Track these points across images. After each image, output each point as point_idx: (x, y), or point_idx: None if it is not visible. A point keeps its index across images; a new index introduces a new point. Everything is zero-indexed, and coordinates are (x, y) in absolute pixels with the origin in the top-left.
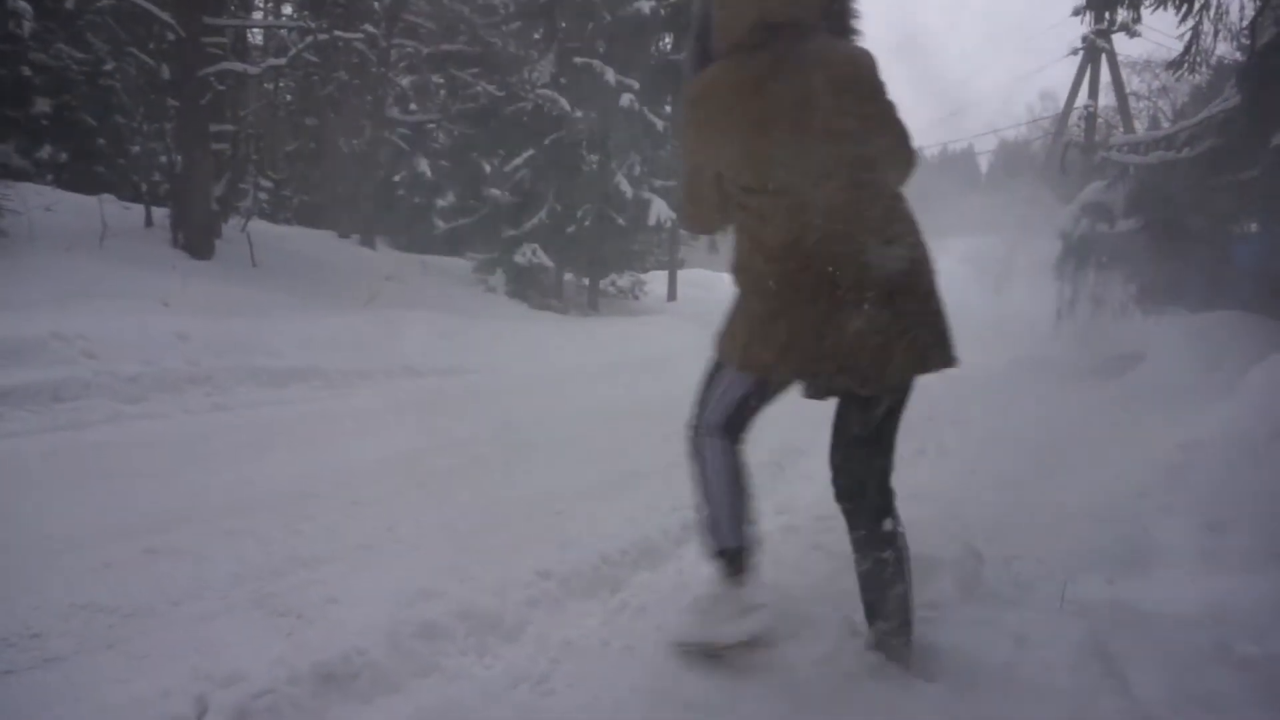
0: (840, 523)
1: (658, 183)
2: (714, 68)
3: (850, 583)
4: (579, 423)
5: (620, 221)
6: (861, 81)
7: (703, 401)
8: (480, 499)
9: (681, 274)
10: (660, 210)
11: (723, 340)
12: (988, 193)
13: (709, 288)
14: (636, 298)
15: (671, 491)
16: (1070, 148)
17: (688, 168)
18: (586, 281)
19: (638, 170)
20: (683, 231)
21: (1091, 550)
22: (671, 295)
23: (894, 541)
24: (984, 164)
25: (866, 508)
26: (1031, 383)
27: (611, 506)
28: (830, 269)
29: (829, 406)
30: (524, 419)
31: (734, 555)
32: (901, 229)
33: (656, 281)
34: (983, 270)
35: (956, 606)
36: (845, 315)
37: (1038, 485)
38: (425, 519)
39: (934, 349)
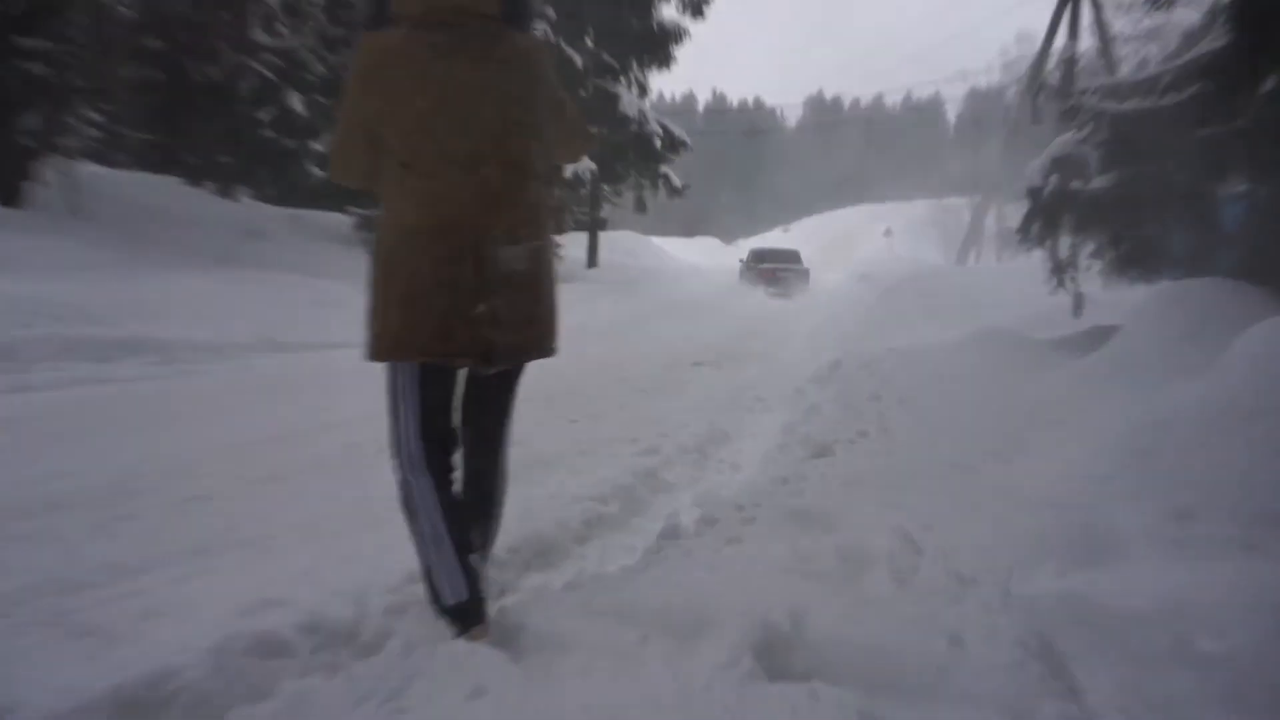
0: (761, 513)
1: None
2: (395, 35)
3: (765, 580)
4: None
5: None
6: (536, 72)
7: (394, 430)
8: (349, 493)
9: (605, 237)
10: (580, 163)
11: (372, 338)
12: (956, 147)
13: (636, 253)
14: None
15: (577, 480)
16: (1043, 94)
17: (347, 122)
18: None
19: None
20: (605, 187)
21: (1043, 540)
22: (592, 261)
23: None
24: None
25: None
26: (993, 358)
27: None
28: (471, 255)
29: (761, 391)
30: None
31: (465, 609)
32: (535, 229)
33: (575, 245)
34: (947, 235)
35: (888, 602)
36: (477, 299)
37: (989, 470)
38: (278, 517)
39: (540, 339)
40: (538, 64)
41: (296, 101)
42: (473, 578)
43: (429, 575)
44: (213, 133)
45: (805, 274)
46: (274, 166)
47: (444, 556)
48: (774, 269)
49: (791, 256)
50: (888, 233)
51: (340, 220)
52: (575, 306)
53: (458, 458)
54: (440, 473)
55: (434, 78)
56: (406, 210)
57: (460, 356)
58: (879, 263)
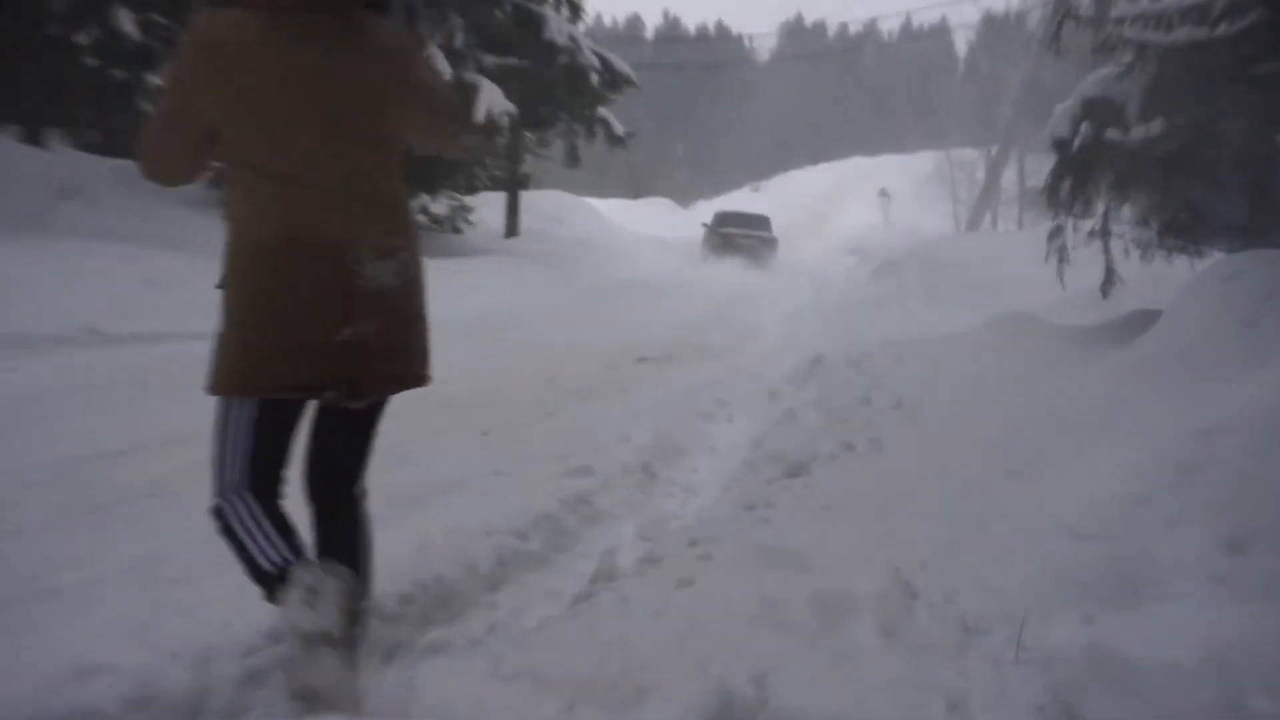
0: (720, 548)
1: (490, 60)
2: (242, 14)
3: (723, 633)
4: None
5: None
6: (404, 57)
7: (216, 462)
8: (195, 526)
9: (528, 197)
10: (494, 101)
11: (213, 370)
12: (966, 85)
13: (567, 218)
14: (459, 230)
15: (488, 508)
16: (1069, 21)
17: (172, 110)
18: None
19: (459, 42)
20: (528, 135)
21: (1065, 578)
22: (512, 229)
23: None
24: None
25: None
26: (1011, 351)
27: (396, 532)
28: (334, 271)
29: (724, 394)
30: None
31: (289, 574)
32: (402, 241)
33: (490, 207)
34: (957, 196)
35: (875, 659)
36: (343, 322)
37: (1002, 490)
38: (104, 558)
39: (410, 370)
40: (405, 49)
41: (127, 21)
42: (298, 549)
43: (249, 563)
44: (13, 61)
45: (773, 243)
46: (97, 105)
47: (262, 531)
48: (735, 234)
49: (759, 222)
50: (883, 194)
51: None
52: (488, 286)
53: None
54: (266, 496)
55: (289, 65)
56: (255, 220)
57: (322, 390)
58: (872, 231)
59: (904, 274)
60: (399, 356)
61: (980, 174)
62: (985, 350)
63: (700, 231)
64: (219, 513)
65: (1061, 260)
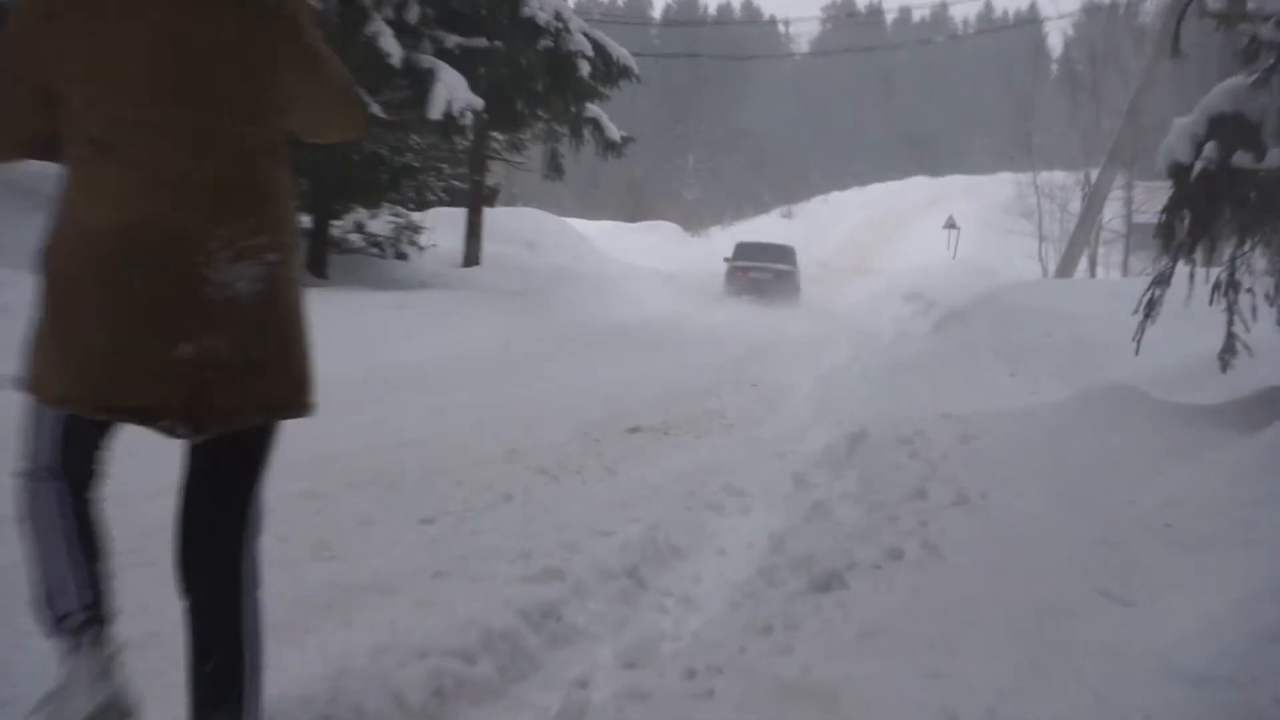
0: (725, 682)
1: (453, 40)
2: None
3: None
4: None
5: (373, 109)
6: (284, 19)
7: (26, 440)
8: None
9: (495, 216)
10: (455, 93)
11: (27, 357)
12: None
13: (540, 244)
14: (404, 255)
15: (427, 620)
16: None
17: (2, 73)
18: (308, 223)
19: (414, 15)
20: (497, 138)
21: None
22: (472, 255)
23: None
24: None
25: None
26: (1108, 433)
27: (306, 647)
28: (179, 270)
29: (737, 479)
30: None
31: (87, 616)
32: (268, 241)
33: (447, 227)
34: (1042, 231)
35: None
36: (183, 334)
37: (1094, 618)
38: None
39: (275, 397)
40: (291, 8)
41: None
42: (99, 586)
43: (46, 592)
44: None
45: (789, 277)
46: None
47: (59, 554)
48: (746, 269)
49: (777, 254)
50: (949, 225)
51: (37, 171)
52: (438, 327)
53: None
54: (80, 485)
55: (144, 25)
56: (92, 205)
57: (148, 415)
58: (933, 272)
59: (973, 328)
60: (258, 381)
61: (1075, 205)
62: (1075, 431)
63: (722, 267)
64: (25, 493)
65: (1148, 317)
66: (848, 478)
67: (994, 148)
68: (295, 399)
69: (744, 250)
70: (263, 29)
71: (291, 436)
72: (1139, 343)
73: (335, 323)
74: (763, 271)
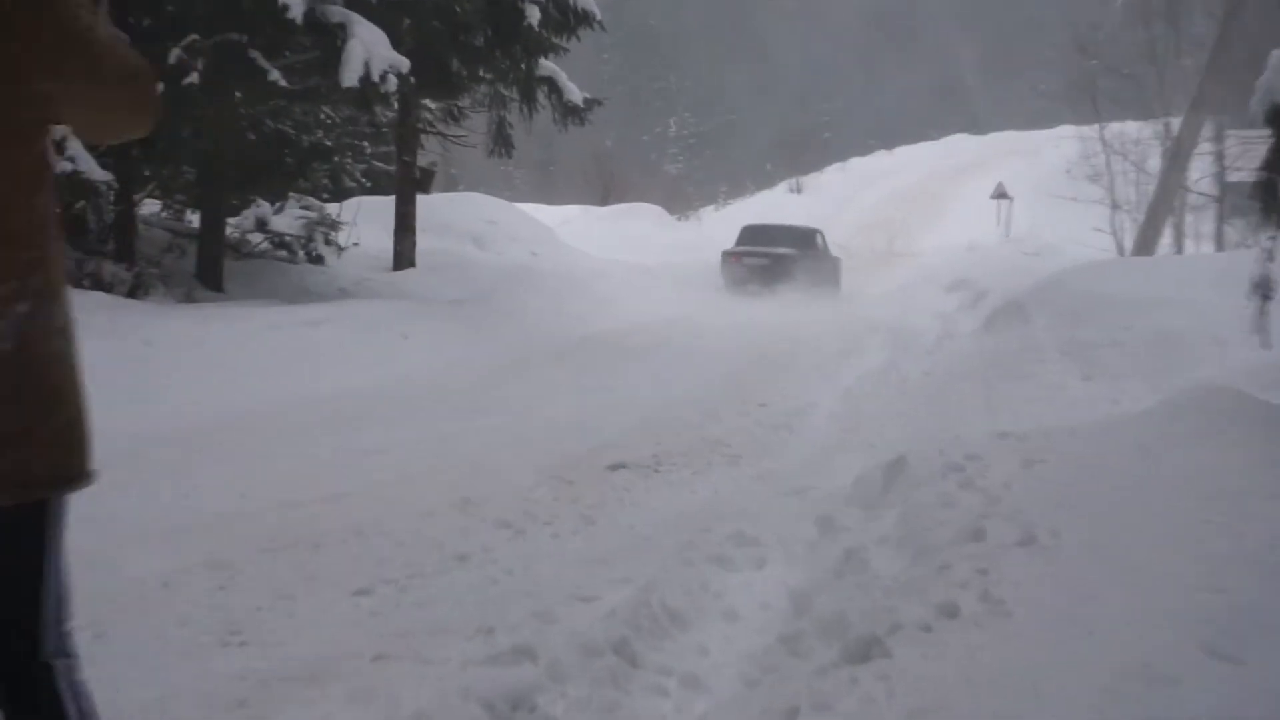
0: None
1: None
2: None
3: None
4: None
5: (272, 77)
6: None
7: None
8: None
9: (430, 205)
10: (374, 52)
11: None
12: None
13: (488, 237)
14: (318, 257)
15: (366, 713)
16: None
17: None
18: (194, 219)
19: None
20: (429, 106)
21: None
22: (404, 255)
23: None
24: None
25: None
26: (1207, 448)
27: None
28: None
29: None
30: None
31: None
32: (16, 289)
33: (372, 221)
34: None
35: None
36: None
37: (1201, 683)
38: None
39: (27, 470)
40: None
41: None
42: None
43: None
44: None
45: (802, 262)
46: None
47: None
48: (743, 255)
49: (794, 237)
50: (1000, 194)
51: None
52: (364, 347)
53: None
54: None
55: None
56: None
57: None
58: (983, 254)
59: (1034, 323)
60: (9, 455)
61: (1154, 163)
62: (1166, 448)
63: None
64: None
65: (1266, 299)
66: (885, 517)
67: (1051, 95)
68: (62, 471)
69: (750, 235)
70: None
71: (189, 494)
72: (1265, 332)
73: (235, 347)
74: (770, 258)
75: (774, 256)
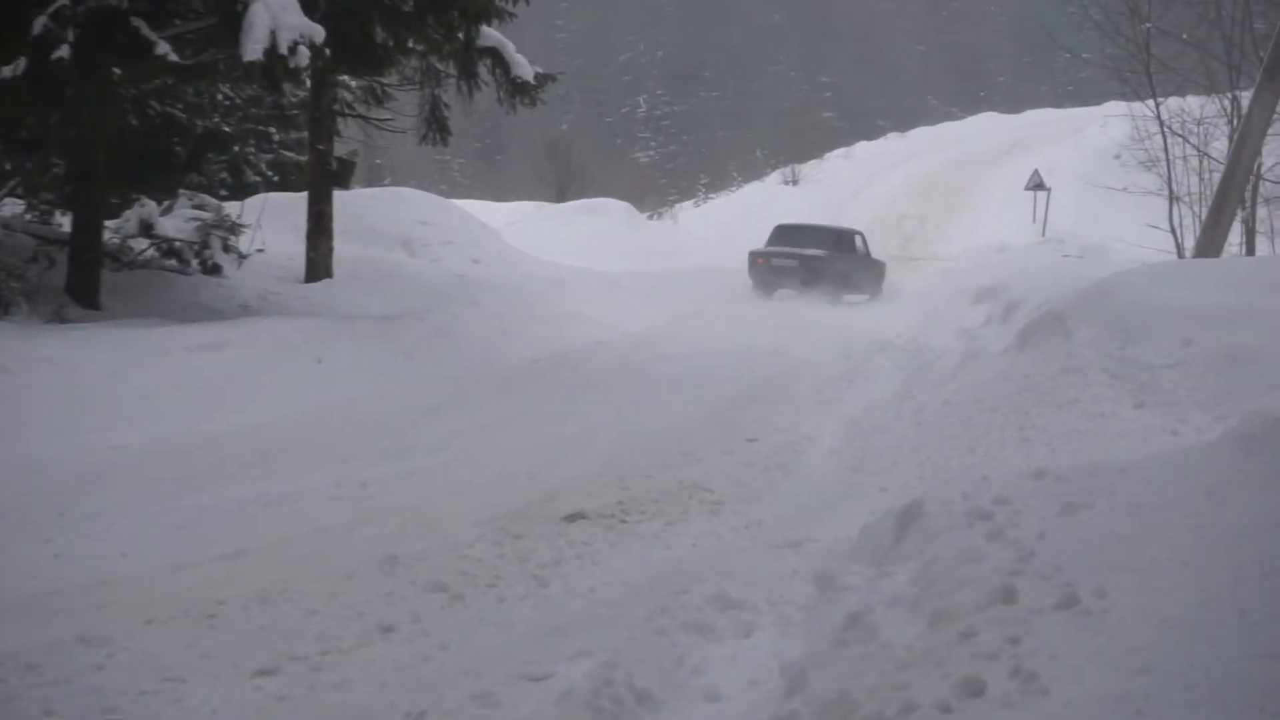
0: None
1: None
2: None
3: None
4: None
5: (159, 50)
6: None
7: None
8: None
9: (351, 202)
10: (281, 19)
11: None
12: None
13: (420, 240)
14: (215, 268)
15: None
16: None
17: None
18: (64, 222)
19: None
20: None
21: None
22: (318, 264)
23: None
24: None
25: None
26: (1275, 488)
27: None
28: None
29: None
30: None
31: None
32: None
33: (280, 224)
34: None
35: None
36: None
37: None
38: None
39: None
40: None
41: None
42: None
43: None
44: None
45: (836, 264)
46: None
47: None
48: (771, 255)
49: (831, 238)
50: (1036, 185)
51: None
52: (271, 376)
53: None
54: None
55: None
56: None
57: None
58: (1016, 256)
59: (1077, 338)
60: None
61: (1219, 146)
62: (1235, 489)
63: (703, 261)
64: None
65: None
66: (897, 575)
67: (1094, 65)
68: None
69: (782, 235)
70: None
71: (58, 554)
72: None
73: (114, 376)
74: (789, 258)
75: (804, 258)
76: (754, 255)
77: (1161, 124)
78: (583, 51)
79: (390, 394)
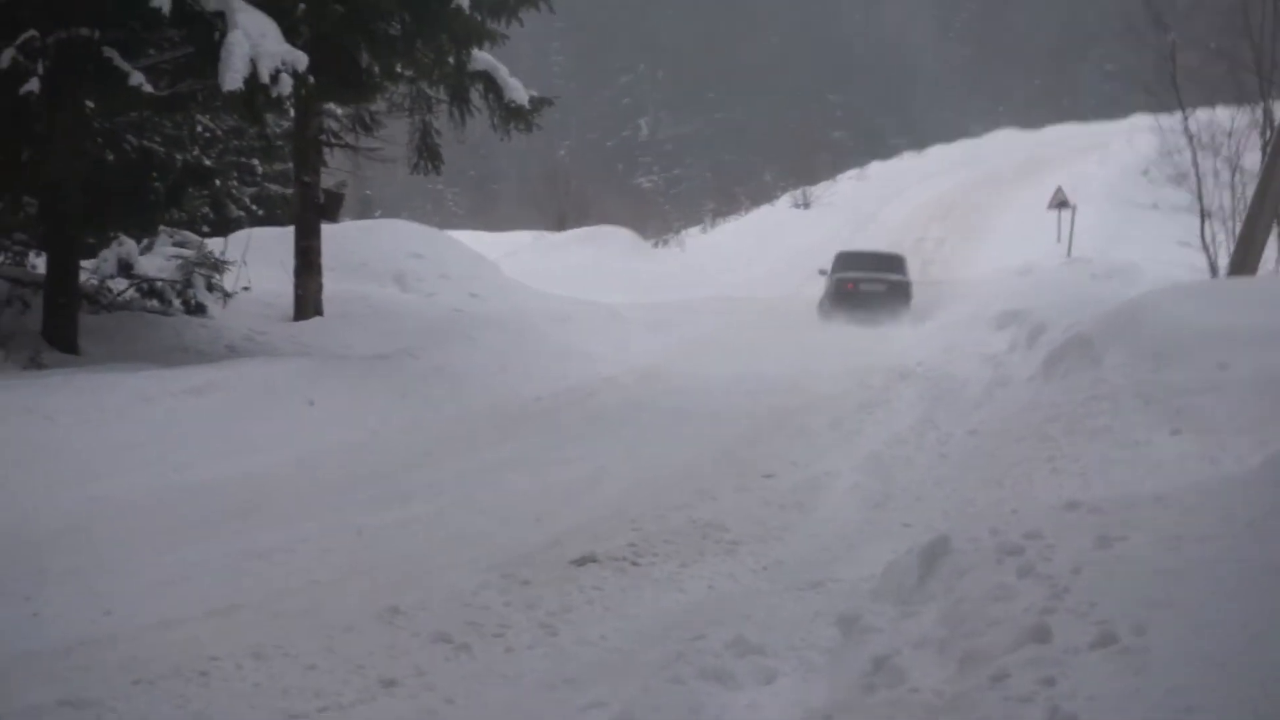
0: None
1: None
2: None
3: None
4: None
5: (134, 81)
6: None
7: None
8: None
9: (340, 236)
10: (262, 46)
11: None
12: None
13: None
14: (198, 308)
15: None
16: None
17: None
18: (39, 263)
19: None
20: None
21: None
22: (308, 302)
23: None
24: None
25: None
26: None
27: None
28: None
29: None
30: None
31: None
32: None
33: (265, 260)
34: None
35: None
36: None
37: None
38: None
39: None
40: None
41: None
42: None
43: None
44: None
45: (909, 288)
46: None
47: None
48: (860, 280)
49: (890, 263)
50: (1060, 203)
51: None
52: (261, 421)
53: None
54: None
55: None
56: None
57: None
58: (1042, 278)
59: (1107, 363)
60: None
61: (1252, 158)
62: (1279, 517)
63: (711, 289)
64: None
65: None
66: (924, 615)
67: (1118, 76)
68: None
69: (850, 261)
70: None
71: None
72: None
73: (94, 425)
74: (878, 283)
75: (890, 283)
76: (843, 281)
77: (1190, 137)
78: (579, 74)
79: (385, 437)
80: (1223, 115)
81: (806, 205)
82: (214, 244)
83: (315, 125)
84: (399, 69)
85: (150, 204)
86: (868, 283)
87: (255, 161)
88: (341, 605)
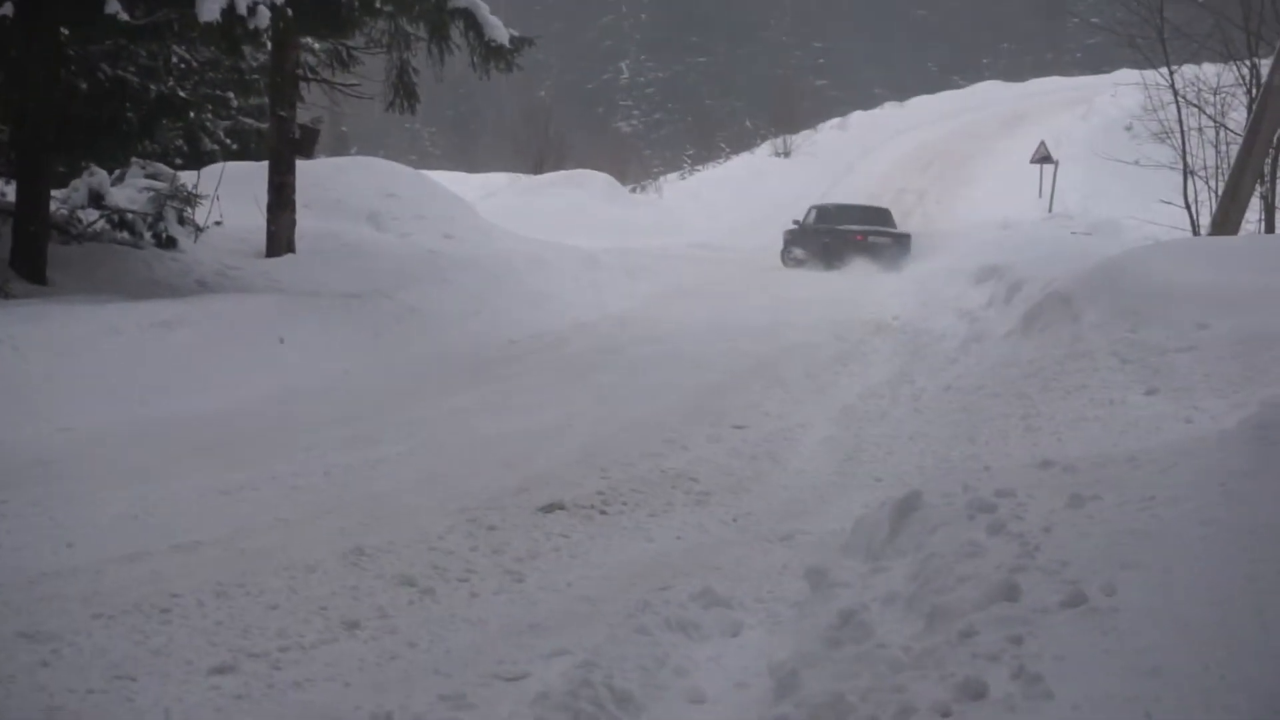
0: None
1: None
2: None
3: None
4: None
5: (110, 9)
6: None
7: None
8: None
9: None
10: None
11: None
12: None
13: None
14: (169, 241)
15: None
16: None
17: None
18: (8, 191)
19: None
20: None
21: None
22: (281, 238)
23: None
24: None
25: None
26: None
27: None
28: None
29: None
30: None
31: None
32: None
33: (239, 195)
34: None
35: None
36: None
37: None
38: None
39: None
40: None
41: None
42: None
43: None
44: None
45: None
46: None
47: None
48: (869, 234)
49: (882, 216)
50: (1042, 157)
51: None
52: (231, 357)
53: None
54: None
55: None
56: None
57: None
58: (1021, 233)
59: (1085, 320)
60: None
61: (1237, 116)
62: (1253, 480)
63: (690, 238)
64: None
65: None
66: (893, 570)
67: (1103, 31)
68: None
69: (837, 214)
70: None
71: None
72: None
73: (61, 356)
74: (883, 236)
75: (895, 235)
76: (850, 233)
77: (1175, 93)
78: (561, 14)
79: (356, 377)
80: (1209, 71)
81: (787, 154)
82: (187, 177)
83: (292, 59)
84: (378, 4)
85: (123, 134)
86: (875, 235)
87: (230, 94)
88: (306, 545)
